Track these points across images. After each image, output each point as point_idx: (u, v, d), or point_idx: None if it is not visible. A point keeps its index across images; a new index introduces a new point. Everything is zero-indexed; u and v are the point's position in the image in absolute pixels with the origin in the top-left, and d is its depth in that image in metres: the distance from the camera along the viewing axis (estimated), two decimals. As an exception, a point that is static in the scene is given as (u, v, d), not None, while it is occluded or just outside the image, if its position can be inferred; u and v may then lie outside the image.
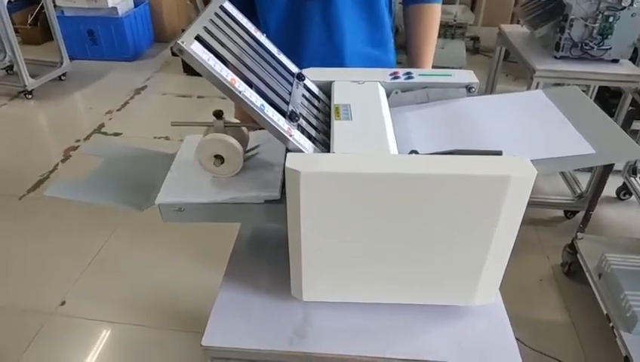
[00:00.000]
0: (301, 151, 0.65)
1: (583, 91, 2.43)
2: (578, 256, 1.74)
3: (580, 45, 1.77)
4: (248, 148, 0.81)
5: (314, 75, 0.86)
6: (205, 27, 0.64)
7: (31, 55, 3.28)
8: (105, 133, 2.75)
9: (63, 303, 1.71)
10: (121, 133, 2.75)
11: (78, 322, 1.65)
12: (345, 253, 0.68)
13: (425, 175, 0.60)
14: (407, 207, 0.63)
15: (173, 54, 3.32)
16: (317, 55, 1.02)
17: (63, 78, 3.36)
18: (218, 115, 0.75)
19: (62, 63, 3.31)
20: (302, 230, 0.65)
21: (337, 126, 0.71)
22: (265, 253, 0.86)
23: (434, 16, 1.09)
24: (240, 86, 0.61)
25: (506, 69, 3.15)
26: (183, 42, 0.56)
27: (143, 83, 3.35)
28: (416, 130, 0.77)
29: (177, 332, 1.61)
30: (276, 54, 0.80)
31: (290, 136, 0.64)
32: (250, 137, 0.82)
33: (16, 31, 3.06)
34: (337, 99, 0.78)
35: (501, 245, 0.67)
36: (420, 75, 0.87)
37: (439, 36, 1.12)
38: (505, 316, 0.76)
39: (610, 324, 1.47)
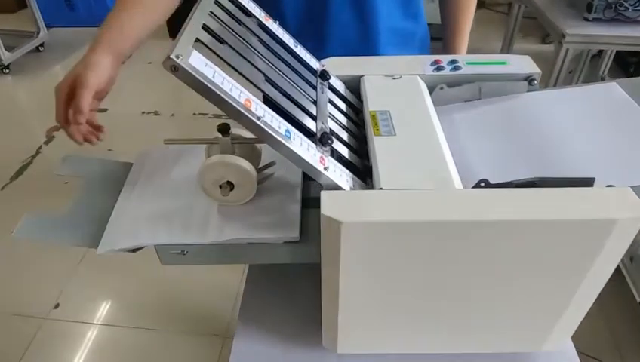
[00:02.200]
0: (338, 187, 0.50)
1: (596, 56, 2.27)
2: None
3: (613, 6, 1.58)
4: (261, 164, 0.66)
5: (336, 68, 0.69)
6: (205, 25, 0.47)
7: (5, 25, 3.02)
8: (89, 110, 2.55)
9: (56, 306, 1.59)
10: (106, 110, 2.53)
11: (73, 326, 1.53)
12: (392, 304, 0.54)
13: (507, 222, 0.46)
14: (478, 255, 0.49)
15: (171, 35, 3.05)
16: (345, 39, 0.83)
17: (40, 48, 3.10)
18: (224, 130, 0.59)
19: (39, 33, 3.04)
20: (340, 283, 0.51)
21: (379, 146, 0.55)
22: (284, 287, 0.72)
23: None
24: (258, 109, 0.45)
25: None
26: (178, 56, 0.40)
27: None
28: (473, 143, 0.61)
29: (178, 334, 1.50)
30: (293, 47, 0.63)
31: (325, 169, 0.49)
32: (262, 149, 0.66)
33: (-15, -2, 2.79)
34: (372, 103, 0.62)
35: (589, 291, 0.54)
36: (468, 63, 0.70)
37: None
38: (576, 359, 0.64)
39: (646, 313, 1.38)
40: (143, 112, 2.46)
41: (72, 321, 1.55)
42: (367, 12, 0.82)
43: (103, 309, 1.58)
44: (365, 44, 0.85)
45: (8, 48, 2.82)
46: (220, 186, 0.59)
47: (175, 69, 0.40)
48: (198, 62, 0.42)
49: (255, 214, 0.60)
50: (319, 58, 0.69)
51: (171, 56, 0.39)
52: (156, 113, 2.44)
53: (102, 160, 0.73)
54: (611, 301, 1.55)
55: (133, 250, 0.61)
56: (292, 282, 0.72)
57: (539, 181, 0.51)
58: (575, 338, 0.61)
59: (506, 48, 2.18)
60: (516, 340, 0.60)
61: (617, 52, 2.29)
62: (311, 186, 0.63)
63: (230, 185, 0.59)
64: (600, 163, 0.56)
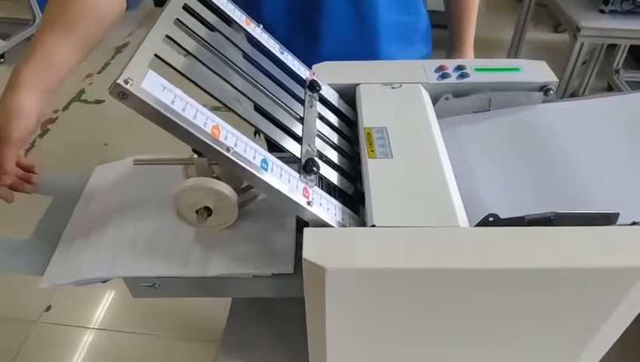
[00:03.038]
0: (324, 223, 0.43)
1: (610, 48, 2.17)
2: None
3: (632, -3, 1.48)
4: (244, 185, 0.59)
5: (329, 75, 0.62)
6: (168, 36, 0.40)
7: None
8: (85, 101, 2.48)
9: (48, 308, 1.54)
10: (103, 101, 2.48)
11: (65, 329, 1.49)
12: (384, 353, 0.48)
13: (517, 270, 0.39)
14: (483, 304, 0.42)
15: (156, 4, 2.97)
16: (341, 36, 0.75)
17: (36, 36, 3.04)
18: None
19: (34, 20, 2.95)
20: (327, 332, 0.45)
21: (373, 171, 0.48)
22: (271, 319, 0.66)
23: None
24: (228, 137, 0.38)
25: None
26: (127, 81, 0.33)
27: (124, 40, 3.01)
28: (480, 164, 0.54)
29: (173, 339, 1.45)
30: (279, 54, 0.56)
31: (308, 203, 0.42)
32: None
33: (-22, -16, 2.71)
34: (368, 118, 0.55)
35: (604, 341, 0.48)
36: (477, 70, 0.63)
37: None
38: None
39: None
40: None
41: (64, 325, 1.50)
42: (366, 5, 0.75)
43: (96, 312, 1.54)
44: (362, 41, 0.77)
45: (3, 36, 2.75)
46: (197, 212, 0.52)
47: (124, 96, 0.33)
48: (154, 87, 0.35)
49: (240, 243, 0.53)
50: (312, 57, 0.62)
51: (119, 82, 0.33)
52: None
53: (75, 178, 0.66)
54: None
55: (104, 281, 0.55)
56: (279, 308, 0.66)
57: (555, 217, 0.44)
58: None
59: (518, 38, 2.08)
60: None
61: (632, 44, 2.19)
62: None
63: (208, 211, 0.52)
64: (625, 192, 0.49)
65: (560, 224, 0.43)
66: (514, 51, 2.13)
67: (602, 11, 1.52)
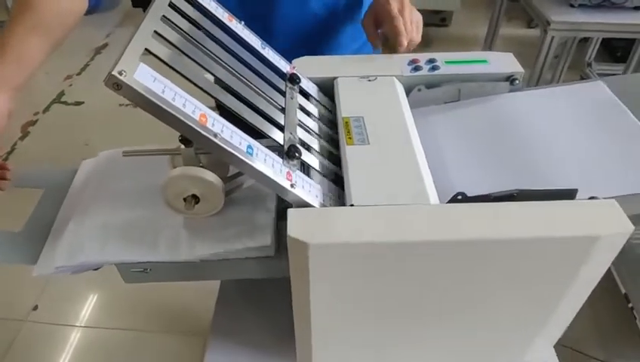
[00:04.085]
0: (306, 204, 0.47)
1: (583, 41, 2.25)
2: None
3: (599, -9, 1.55)
4: (230, 173, 0.62)
5: (309, 69, 0.65)
6: (156, 32, 0.43)
7: (-26, 13, 2.90)
8: (65, 103, 2.47)
9: (35, 308, 1.54)
10: (82, 102, 2.47)
11: (53, 328, 1.49)
12: (366, 323, 0.52)
13: (484, 240, 0.43)
14: (454, 273, 0.46)
15: (134, 5, 2.95)
16: (292, 27, 0.79)
17: (13, 38, 3.00)
18: (187, 140, 0.55)
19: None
20: (311, 304, 0.48)
21: (351, 156, 0.52)
22: (258, 299, 0.69)
23: None
24: (215, 125, 0.41)
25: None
26: (121, 72, 0.36)
27: (103, 40, 2.99)
28: (451, 149, 0.58)
29: (160, 334, 1.47)
30: (260, 49, 0.59)
31: (292, 185, 0.46)
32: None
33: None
34: (345, 108, 0.59)
35: (570, 306, 0.52)
36: (447, 62, 0.67)
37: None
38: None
39: (630, 305, 1.38)
40: (121, 105, 2.39)
41: (52, 324, 1.51)
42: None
43: (83, 310, 1.55)
44: (314, 35, 0.82)
45: (-21, 38, 2.72)
46: (185, 200, 0.55)
47: (118, 87, 0.36)
48: (145, 78, 0.38)
49: (226, 227, 0.56)
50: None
51: (113, 73, 0.36)
52: (135, 106, 2.37)
53: (65, 171, 0.68)
54: (597, 292, 1.55)
55: (95, 269, 0.58)
56: (267, 293, 0.70)
57: (518, 193, 0.48)
58: None
59: (492, 34, 2.15)
60: (497, 352, 0.58)
61: (604, 37, 2.27)
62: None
63: (195, 198, 0.55)
64: (583, 170, 0.54)
65: (523, 200, 0.47)
66: (488, 46, 2.19)
67: (572, 5, 1.58)
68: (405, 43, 0.68)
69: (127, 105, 2.39)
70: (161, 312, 1.53)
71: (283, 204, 0.59)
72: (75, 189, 0.64)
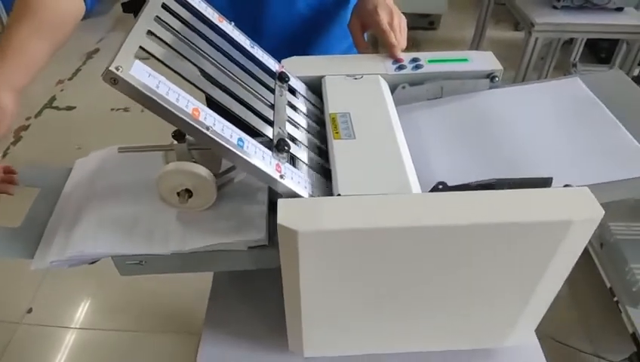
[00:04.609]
0: (295, 195, 0.49)
1: (568, 42, 2.30)
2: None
3: (582, -8, 1.59)
4: (222, 169, 0.64)
5: (297, 69, 0.68)
6: (150, 31, 0.46)
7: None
8: (57, 108, 2.47)
9: (29, 310, 1.55)
10: (74, 107, 2.47)
11: (48, 330, 1.50)
12: (354, 307, 0.54)
13: (463, 226, 0.45)
14: (436, 258, 0.48)
15: (124, 10, 2.97)
16: (280, 27, 0.81)
17: (4, 43, 3.00)
18: (179, 136, 0.57)
19: (3, 25, 2.94)
20: (301, 290, 0.51)
21: (338, 150, 0.54)
22: (250, 291, 0.71)
23: None
24: (207, 118, 0.44)
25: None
26: (118, 68, 0.38)
27: (94, 45, 3.00)
28: (433, 143, 0.61)
29: (154, 334, 1.48)
30: (249, 48, 0.61)
31: (281, 176, 0.48)
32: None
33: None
34: (332, 105, 0.61)
35: (548, 287, 0.54)
36: (429, 61, 0.70)
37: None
38: (540, 354, 0.64)
39: (615, 299, 1.41)
40: (113, 109, 2.40)
41: (47, 326, 1.51)
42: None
43: (78, 312, 1.55)
44: (301, 36, 0.84)
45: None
46: (178, 194, 0.57)
47: (115, 82, 0.38)
48: (140, 73, 0.40)
49: (218, 219, 0.58)
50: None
51: (110, 68, 0.38)
52: (126, 110, 2.38)
53: (60, 170, 0.70)
54: (582, 286, 1.59)
55: (92, 262, 0.59)
56: (258, 285, 0.72)
57: (496, 182, 0.50)
58: (545, 323, 0.61)
59: (479, 36, 2.19)
60: (478, 337, 0.61)
61: (589, 38, 2.32)
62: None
63: (188, 193, 0.57)
64: (559, 161, 0.57)
65: (501, 188, 0.50)
66: (475, 48, 2.23)
67: (555, 7, 1.62)
68: (398, 54, 0.70)
69: (118, 109, 2.41)
70: (154, 312, 1.54)
71: (274, 197, 0.61)
72: (70, 187, 0.65)
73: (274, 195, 0.61)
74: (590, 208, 0.47)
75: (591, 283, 1.57)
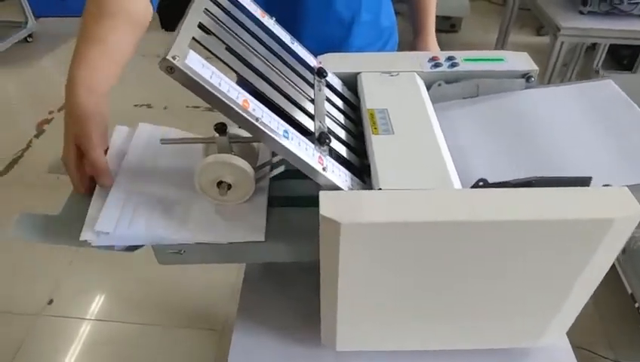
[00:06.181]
0: (336, 187, 0.50)
1: (590, 48, 2.27)
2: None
3: (608, -1, 1.58)
4: (259, 163, 0.65)
5: (333, 65, 0.68)
6: (200, 23, 0.47)
7: (-9, 15, 2.97)
8: (81, 103, 2.51)
9: (50, 301, 1.58)
10: (98, 102, 2.51)
11: (68, 321, 1.53)
12: (391, 302, 0.55)
13: (504, 222, 0.46)
14: (476, 254, 0.49)
15: (164, 27, 2.99)
16: (316, 28, 0.82)
17: (29, 39, 3.06)
18: (221, 129, 0.58)
19: (27, 23, 2.99)
20: (339, 283, 0.51)
21: (377, 145, 0.55)
22: (282, 284, 0.72)
23: None
24: (256, 110, 0.45)
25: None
26: (175, 57, 0.39)
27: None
28: (471, 141, 0.61)
29: (174, 329, 1.49)
30: (290, 44, 0.62)
31: (323, 169, 0.49)
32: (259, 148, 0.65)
33: (-30, -13, 2.74)
34: (370, 101, 0.62)
35: (585, 288, 0.54)
36: (465, 60, 0.70)
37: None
38: (572, 357, 0.64)
39: (636, 305, 1.39)
40: (136, 105, 2.43)
41: (67, 317, 1.54)
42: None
43: (98, 304, 1.58)
44: (338, 38, 0.86)
45: (-3, 39, 2.79)
46: (218, 186, 0.58)
47: (171, 70, 0.39)
48: (195, 63, 0.41)
49: (258, 213, 0.59)
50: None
51: (167, 57, 0.39)
52: (149, 106, 2.41)
53: None
54: (604, 293, 1.56)
55: (133, 249, 0.60)
56: (290, 277, 0.72)
57: (536, 181, 0.51)
58: (567, 330, 0.61)
59: (502, 40, 2.18)
60: (513, 336, 0.61)
61: (611, 45, 2.30)
62: (276, 186, 0.63)
63: (228, 185, 0.58)
64: (596, 162, 0.57)
65: (541, 186, 0.50)
66: (498, 52, 2.22)
67: (581, 12, 1.61)
68: None
69: (141, 105, 2.44)
70: (176, 307, 1.56)
71: (274, 194, 0.62)
72: (112, 159, 0.65)
73: (273, 192, 0.62)
74: (631, 206, 0.47)
75: (612, 290, 1.55)
